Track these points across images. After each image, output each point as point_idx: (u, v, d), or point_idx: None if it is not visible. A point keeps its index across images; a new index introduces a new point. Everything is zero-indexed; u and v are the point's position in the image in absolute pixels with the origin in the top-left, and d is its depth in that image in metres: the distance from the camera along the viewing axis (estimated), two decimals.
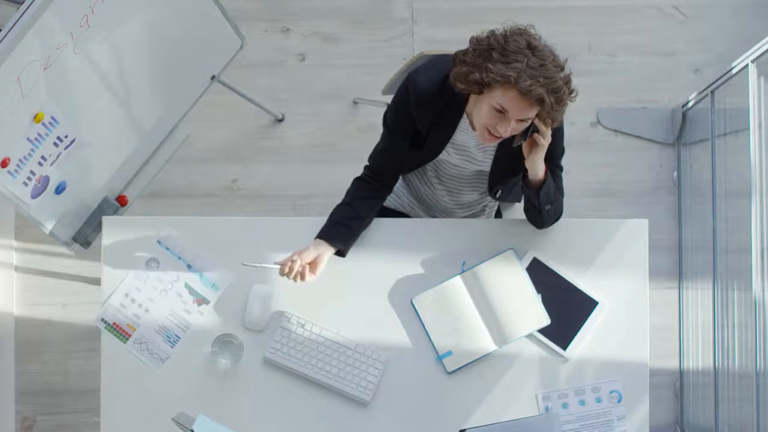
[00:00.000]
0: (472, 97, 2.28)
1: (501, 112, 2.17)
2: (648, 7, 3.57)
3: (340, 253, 2.48)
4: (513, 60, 2.11)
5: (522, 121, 2.19)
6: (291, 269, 2.40)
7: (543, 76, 2.11)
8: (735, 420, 3.01)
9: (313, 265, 2.43)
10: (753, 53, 2.81)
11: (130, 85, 2.58)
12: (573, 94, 2.19)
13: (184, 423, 2.16)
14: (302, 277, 2.42)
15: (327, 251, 2.45)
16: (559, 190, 2.44)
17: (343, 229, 2.47)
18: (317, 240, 2.46)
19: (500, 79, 2.12)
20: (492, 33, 2.18)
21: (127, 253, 2.53)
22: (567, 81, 2.17)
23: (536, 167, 2.32)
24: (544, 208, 2.40)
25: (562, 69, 2.16)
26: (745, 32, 3.48)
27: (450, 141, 2.40)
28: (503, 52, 2.13)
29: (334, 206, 2.51)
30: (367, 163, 2.53)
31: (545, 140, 2.26)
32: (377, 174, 2.50)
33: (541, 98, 2.12)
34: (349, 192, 2.51)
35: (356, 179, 2.52)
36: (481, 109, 2.21)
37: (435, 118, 2.35)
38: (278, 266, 2.42)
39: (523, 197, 2.50)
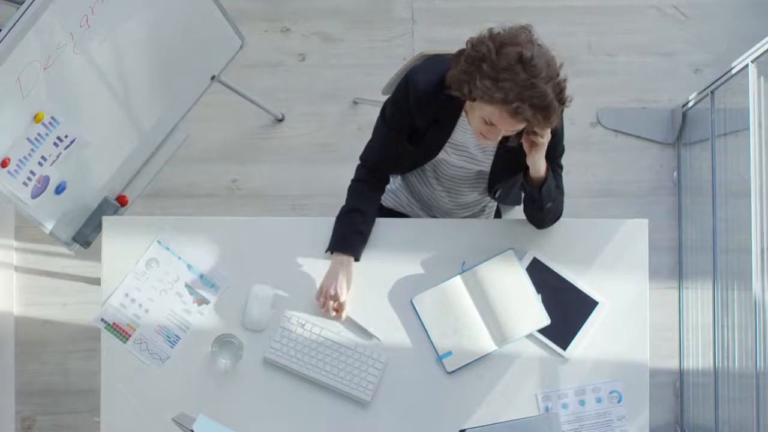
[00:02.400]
0: None
1: (490, 123, 2.17)
2: (648, 7, 3.57)
3: (355, 259, 2.50)
4: (501, 78, 2.07)
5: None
6: (329, 309, 2.47)
7: (531, 95, 2.07)
8: (735, 420, 3.01)
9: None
10: (753, 53, 2.81)
11: (130, 85, 2.58)
12: (567, 102, 2.16)
13: (184, 423, 2.16)
14: (338, 312, 2.48)
15: (349, 264, 2.47)
16: (560, 189, 2.44)
17: (356, 237, 2.48)
18: (336, 255, 2.47)
19: (487, 97, 2.11)
20: (488, 37, 2.13)
21: (127, 253, 2.53)
22: (559, 91, 2.12)
23: (537, 164, 2.32)
24: (545, 206, 2.40)
25: (557, 77, 2.11)
26: (745, 32, 3.48)
27: (449, 140, 2.40)
28: (493, 66, 2.08)
29: (339, 214, 2.51)
30: (360, 162, 2.52)
31: (544, 139, 2.25)
32: (373, 171, 2.50)
33: (527, 118, 2.11)
34: (351, 197, 2.51)
35: (354, 182, 2.52)
36: (473, 115, 2.21)
37: (434, 116, 2.35)
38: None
39: (522, 199, 2.51)
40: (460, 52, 2.20)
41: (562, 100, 2.14)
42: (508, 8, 3.51)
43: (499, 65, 2.08)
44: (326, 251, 2.50)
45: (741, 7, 3.55)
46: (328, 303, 2.46)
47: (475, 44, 2.15)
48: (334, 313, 2.47)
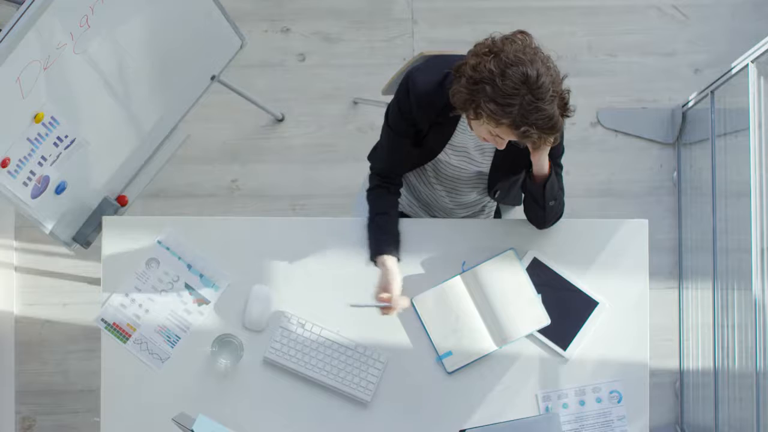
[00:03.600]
0: None
1: (497, 135, 2.17)
2: (648, 7, 3.57)
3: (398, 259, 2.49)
4: (507, 103, 2.05)
5: None
6: (391, 308, 2.43)
7: (537, 118, 2.06)
8: (735, 420, 3.01)
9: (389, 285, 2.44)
10: (753, 53, 2.81)
11: (130, 85, 2.59)
12: (571, 113, 2.15)
13: (184, 423, 2.16)
14: (397, 307, 2.45)
15: (393, 263, 2.45)
16: (560, 188, 2.44)
17: (389, 238, 2.47)
18: (382, 258, 2.45)
19: (493, 122, 2.09)
20: (490, 57, 2.08)
21: (127, 253, 2.53)
22: (564, 104, 2.12)
23: (541, 162, 2.32)
24: (548, 204, 2.40)
25: (560, 93, 2.10)
26: (745, 32, 3.48)
27: (449, 142, 2.40)
28: (498, 90, 2.05)
29: (367, 224, 2.50)
30: (372, 171, 2.51)
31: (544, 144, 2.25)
32: (388, 177, 2.49)
33: (535, 139, 2.11)
34: (372, 204, 2.50)
35: (370, 191, 2.50)
36: (479, 127, 2.19)
37: (435, 117, 2.34)
38: (381, 305, 2.44)
39: (522, 199, 2.51)
40: (460, 70, 2.15)
41: (566, 113, 2.14)
42: (508, 8, 3.50)
43: (504, 90, 2.05)
44: (369, 260, 2.50)
45: (741, 7, 3.55)
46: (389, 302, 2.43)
47: (476, 66, 2.10)
48: (393, 312, 2.44)
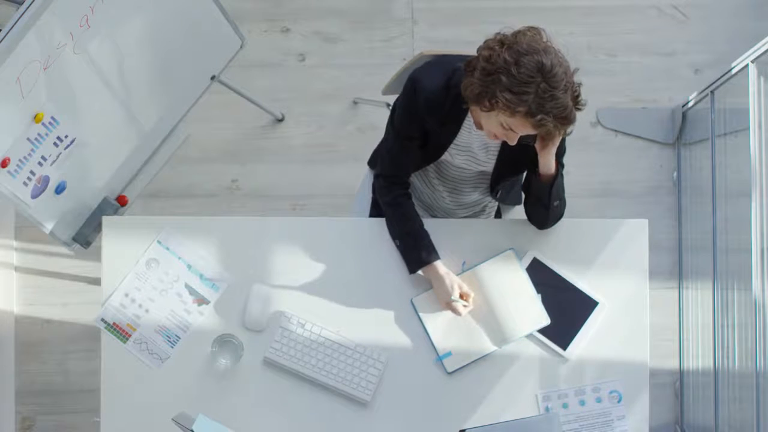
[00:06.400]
0: None
1: (509, 129, 2.17)
2: (648, 7, 3.57)
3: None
4: (522, 91, 2.06)
5: None
6: (459, 307, 2.45)
7: (552, 106, 2.07)
8: (735, 420, 3.01)
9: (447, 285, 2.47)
10: (753, 53, 2.81)
11: (130, 85, 2.59)
12: (582, 106, 2.16)
13: (184, 423, 2.16)
14: (465, 298, 2.47)
15: (438, 267, 2.47)
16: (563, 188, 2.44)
17: (429, 242, 2.47)
18: (432, 266, 2.46)
19: (509, 111, 2.10)
20: (503, 47, 2.10)
21: (127, 253, 2.53)
22: (576, 97, 2.13)
23: (549, 162, 2.32)
24: (552, 204, 2.41)
25: (573, 84, 2.11)
26: (745, 32, 3.48)
27: (453, 142, 2.40)
28: (513, 79, 2.06)
29: (396, 236, 2.50)
30: (387, 181, 2.49)
31: (557, 137, 2.25)
32: (400, 180, 2.49)
33: (550, 129, 2.11)
34: (396, 216, 2.49)
35: (390, 204, 2.49)
36: (491, 121, 2.19)
37: (442, 119, 2.34)
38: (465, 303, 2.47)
39: (523, 199, 2.51)
40: (472, 64, 2.17)
41: (578, 106, 2.15)
42: (507, 8, 3.51)
43: (519, 78, 2.06)
44: (411, 273, 2.50)
45: (741, 7, 3.56)
46: (457, 306, 2.45)
47: (489, 57, 2.11)
48: (466, 310, 2.46)
